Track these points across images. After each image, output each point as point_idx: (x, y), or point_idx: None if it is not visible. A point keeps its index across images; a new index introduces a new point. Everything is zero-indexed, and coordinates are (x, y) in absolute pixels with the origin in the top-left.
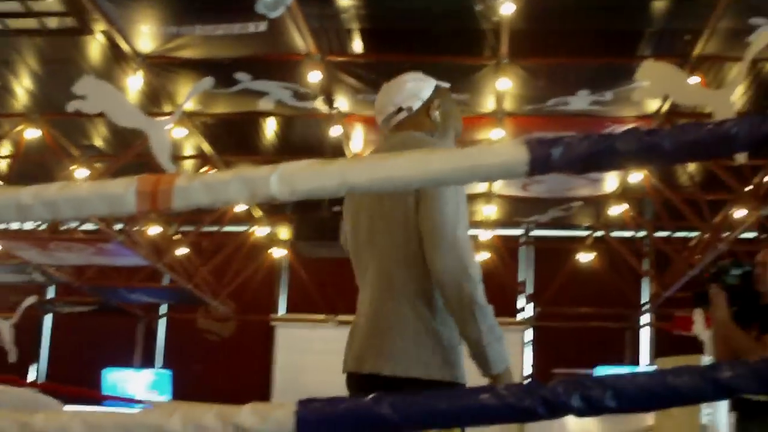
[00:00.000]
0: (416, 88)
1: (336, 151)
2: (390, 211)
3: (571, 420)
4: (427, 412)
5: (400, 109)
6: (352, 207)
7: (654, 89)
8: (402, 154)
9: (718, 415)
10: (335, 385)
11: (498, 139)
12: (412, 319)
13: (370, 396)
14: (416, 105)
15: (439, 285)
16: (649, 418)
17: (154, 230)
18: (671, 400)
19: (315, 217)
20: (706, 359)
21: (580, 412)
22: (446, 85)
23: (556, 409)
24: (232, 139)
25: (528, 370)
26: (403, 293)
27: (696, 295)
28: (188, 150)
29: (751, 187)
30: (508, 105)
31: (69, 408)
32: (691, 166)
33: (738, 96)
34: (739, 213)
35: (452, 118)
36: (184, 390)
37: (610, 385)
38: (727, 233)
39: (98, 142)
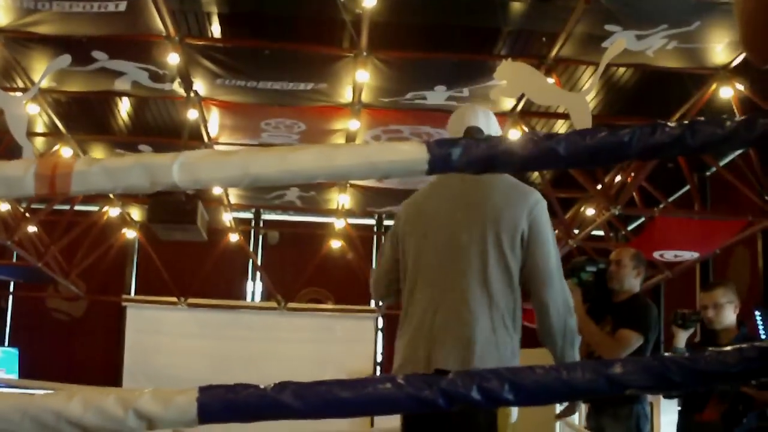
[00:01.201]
0: (493, 122)
1: (192, 134)
2: (495, 240)
3: None
4: (330, 400)
5: (479, 130)
6: (433, 222)
7: (511, 88)
8: (306, 148)
9: None
10: (185, 367)
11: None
12: (503, 336)
13: (273, 384)
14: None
15: (545, 318)
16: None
17: (3, 207)
18: (566, 394)
19: (171, 200)
20: None
21: (479, 404)
22: None
23: (455, 401)
24: (85, 118)
25: (379, 357)
26: (499, 313)
27: None
28: (39, 127)
29: (601, 186)
30: (366, 97)
31: None
32: None
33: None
34: (590, 211)
35: None
36: (32, 368)
37: (507, 378)
38: (577, 231)
39: None
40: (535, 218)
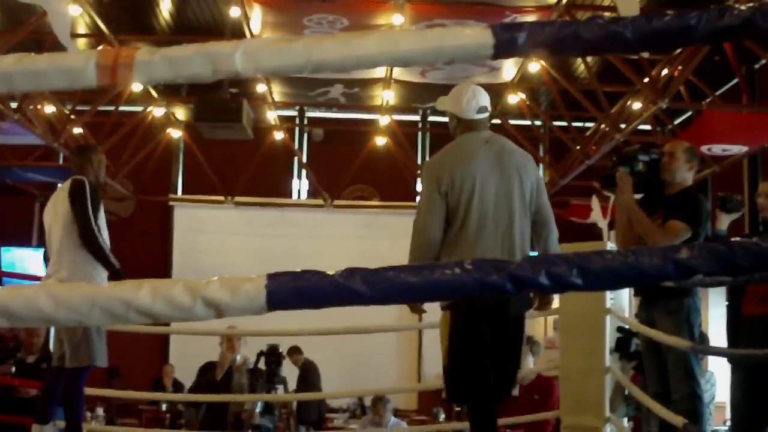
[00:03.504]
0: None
1: (235, 32)
2: (525, 188)
3: None
4: (398, 285)
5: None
6: (485, 175)
7: None
8: (369, 33)
9: (622, 299)
10: (233, 265)
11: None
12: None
13: (341, 270)
14: None
15: (551, 234)
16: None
17: (49, 108)
18: (634, 279)
19: (216, 99)
20: (610, 245)
21: (547, 289)
22: None
23: (523, 285)
24: (127, 18)
25: None
26: (528, 241)
27: (603, 178)
28: (81, 28)
29: (648, 79)
30: None
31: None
32: (589, 57)
33: None
34: (637, 105)
35: None
36: None
37: (576, 263)
38: (624, 125)
39: None
40: (538, 173)
